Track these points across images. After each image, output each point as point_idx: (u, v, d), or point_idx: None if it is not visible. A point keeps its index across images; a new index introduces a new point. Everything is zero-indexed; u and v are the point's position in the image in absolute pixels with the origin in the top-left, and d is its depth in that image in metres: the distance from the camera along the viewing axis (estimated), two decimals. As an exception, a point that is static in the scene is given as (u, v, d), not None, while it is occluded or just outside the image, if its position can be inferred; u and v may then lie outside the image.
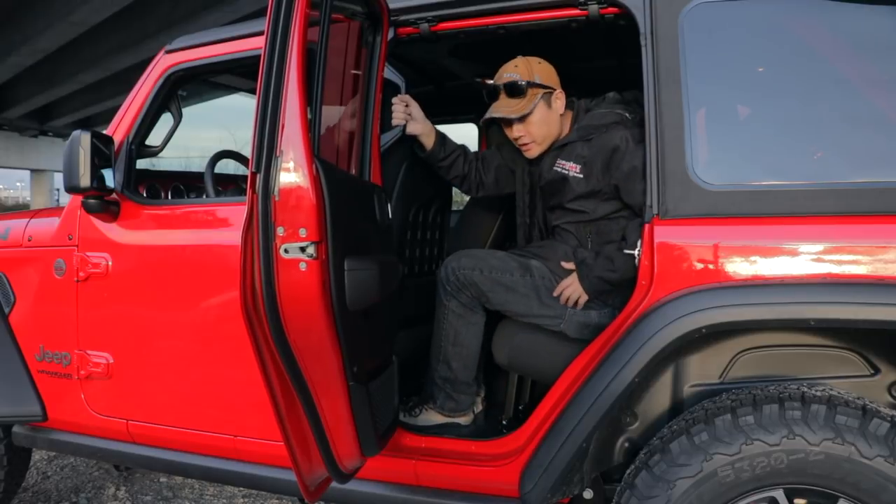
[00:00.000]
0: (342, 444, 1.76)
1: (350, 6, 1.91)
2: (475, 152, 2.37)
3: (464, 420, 2.23)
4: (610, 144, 2.00)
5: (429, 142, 2.24)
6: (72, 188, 2.12)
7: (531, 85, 2.08)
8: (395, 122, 2.22)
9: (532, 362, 2.12)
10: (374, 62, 2.02)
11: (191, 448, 2.27)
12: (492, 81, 2.17)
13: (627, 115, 2.06)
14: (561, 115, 2.15)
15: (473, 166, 2.33)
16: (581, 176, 2.05)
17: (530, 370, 2.19)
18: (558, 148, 2.13)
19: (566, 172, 2.08)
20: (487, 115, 2.12)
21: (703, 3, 1.73)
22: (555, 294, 2.04)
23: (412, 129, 2.22)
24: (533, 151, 2.17)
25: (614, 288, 1.94)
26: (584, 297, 2.00)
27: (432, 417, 2.20)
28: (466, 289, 2.08)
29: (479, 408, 2.33)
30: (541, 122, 2.11)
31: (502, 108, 2.10)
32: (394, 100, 2.23)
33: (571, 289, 2.01)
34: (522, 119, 2.10)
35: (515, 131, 2.13)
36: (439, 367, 2.17)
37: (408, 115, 2.21)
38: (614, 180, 2.01)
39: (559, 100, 2.14)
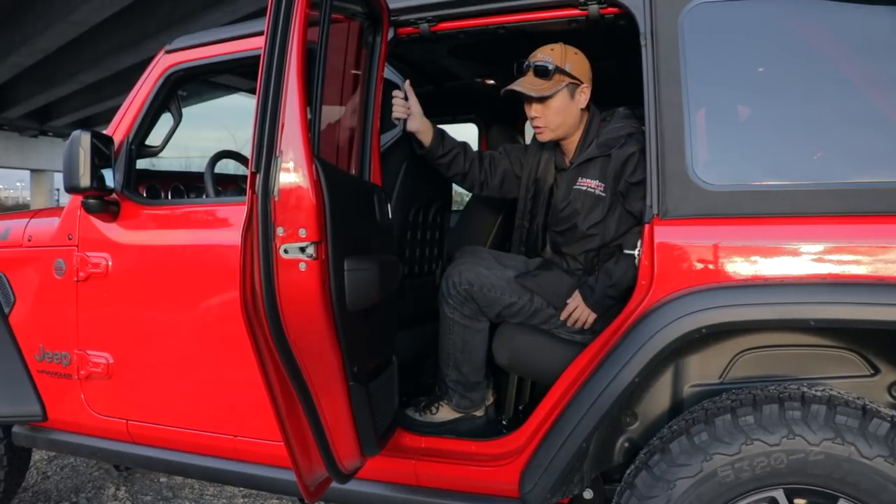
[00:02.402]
0: (342, 445, 1.76)
1: (350, 6, 1.91)
2: (479, 151, 2.35)
3: (479, 412, 2.25)
4: (624, 155, 2.01)
5: (427, 138, 2.23)
6: (72, 188, 2.12)
7: (559, 71, 2.06)
8: (395, 115, 2.20)
9: (532, 363, 2.12)
10: (374, 62, 2.02)
11: (190, 448, 2.27)
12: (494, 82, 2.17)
13: (643, 127, 2.05)
14: (582, 109, 2.14)
15: (476, 165, 2.31)
16: (602, 195, 2.05)
17: (530, 371, 2.19)
18: (577, 166, 2.12)
19: (592, 191, 2.07)
20: (509, 87, 2.10)
21: (703, 3, 1.73)
22: (562, 318, 2.04)
23: (411, 125, 2.21)
24: (544, 136, 2.15)
25: (618, 301, 1.92)
26: (593, 317, 2.00)
27: (449, 414, 2.23)
28: (468, 302, 2.10)
29: (489, 400, 2.34)
30: (559, 109, 2.10)
31: (526, 84, 2.09)
32: (394, 93, 2.21)
33: (579, 311, 2.01)
34: (542, 101, 2.09)
35: (533, 111, 2.12)
36: (450, 371, 2.19)
37: (407, 109, 2.20)
38: (621, 187, 2.01)
39: (584, 94, 2.12)
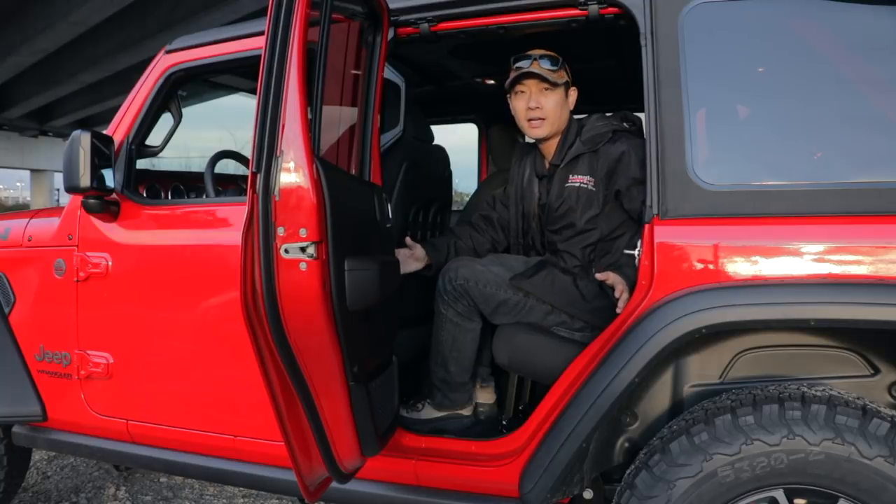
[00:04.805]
0: (342, 444, 1.76)
1: (350, 6, 1.91)
2: (467, 222, 2.39)
3: (465, 411, 2.26)
4: (616, 152, 2.04)
5: (429, 261, 2.30)
6: (72, 188, 2.12)
7: (563, 67, 2.14)
8: (406, 270, 2.25)
9: (532, 363, 2.12)
10: (374, 62, 2.02)
11: (191, 448, 2.27)
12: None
13: (625, 125, 2.11)
14: (570, 111, 2.20)
15: (476, 235, 2.37)
16: (594, 189, 2.08)
17: (531, 371, 2.19)
18: (567, 164, 2.15)
19: (585, 186, 2.10)
20: (526, 69, 2.11)
21: (703, 3, 1.73)
22: (617, 295, 1.86)
23: (413, 268, 2.28)
24: (540, 130, 2.17)
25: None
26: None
27: (433, 413, 2.25)
28: (463, 298, 2.11)
29: (487, 398, 2.33)
30: (558, 103, 2.15)
31: (539, 68, 2.12)
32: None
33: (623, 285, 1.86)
34: (549, 89, 2.13)
35: (533, 101, 2.14)
36: (437, 369, 2.20)
37: (417, 259, 2.29)
38: (617, 186, 2.04)
39: (572, 96, 2.20)
